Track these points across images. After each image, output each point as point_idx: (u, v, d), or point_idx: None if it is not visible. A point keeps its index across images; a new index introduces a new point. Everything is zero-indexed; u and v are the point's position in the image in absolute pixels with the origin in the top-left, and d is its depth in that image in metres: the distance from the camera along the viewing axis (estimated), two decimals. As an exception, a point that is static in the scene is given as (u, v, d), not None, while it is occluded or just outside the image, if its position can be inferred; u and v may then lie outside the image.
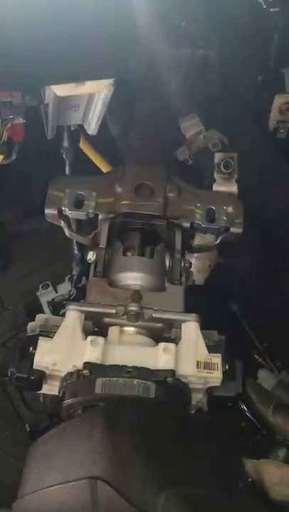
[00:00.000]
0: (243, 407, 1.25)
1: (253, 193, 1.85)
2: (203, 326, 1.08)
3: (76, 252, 1.62)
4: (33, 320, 1.12)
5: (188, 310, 1.10)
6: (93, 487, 0.71)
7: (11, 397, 1.52)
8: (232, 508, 0.71)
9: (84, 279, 1.58)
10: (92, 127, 1.24)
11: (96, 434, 0.80)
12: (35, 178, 1.80)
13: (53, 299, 1.63)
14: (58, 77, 0.83)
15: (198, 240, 1.32)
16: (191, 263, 1.23)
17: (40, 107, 1.13)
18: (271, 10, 1.50)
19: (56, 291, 1.64)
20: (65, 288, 1.64)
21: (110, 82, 1.07)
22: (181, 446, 0.82)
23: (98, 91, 1.07)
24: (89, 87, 0.98)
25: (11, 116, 1.09)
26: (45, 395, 1.22)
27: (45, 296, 1.64)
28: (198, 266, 1.55)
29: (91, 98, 1.17)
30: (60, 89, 0.97)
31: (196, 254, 1.48)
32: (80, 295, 1.57)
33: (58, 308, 1.59)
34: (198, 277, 1.57)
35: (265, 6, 1.49)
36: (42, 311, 1.60)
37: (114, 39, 0.72)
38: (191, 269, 1.26)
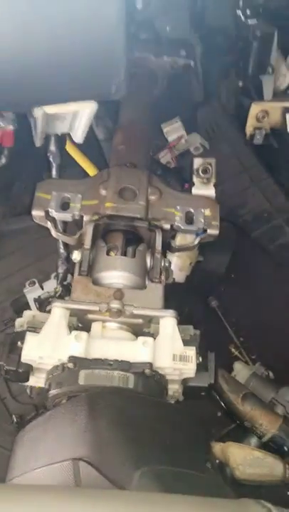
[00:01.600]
0: (217, 397, 1.33)
1: (232, 195, 1.94)
2: (185, 321, 1.14)
3: (62, 251, 1.68)
4: (20, 316, 1.17)
5: (168, 306, 1.16)
6: (76, 467, 0.77)
7: (-2, 390, 1.58)
8: (199, 484, 0.78)
9: (69, 276, 1.64)
10: (78, 136, 1.30)
11: (79, 420, 0.87)
12: (22, 179, 1.85)
13: (39, 296, 1.66)
14: (44, 100, 0.89)
15: (180, 239, 1.39)
16: (170, 262, 1.29)
17: (28, 116, 1.18)
18: (249, 22, 1.57)
19: (42, 289, 1.67)
20: (51, 285, 1.68)
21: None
22: (155, 430, 0.89)
23: (82, 109, 1.13)
24: (74, 106, 1.04)
25: (1, 124, 1.13)
26: (32, 388, 1.28)
27: (32, 293, 1.67)
28: (179, 264, 1.62)
29: (77, 112, 1.23)
30: (48, 108, 1.03)
31: (177, 254, 1.54)
32: (65, 292, 1.62)
33: (44, 304, 1.62)
34: (180, 275, 1.64)
35: (243, 19, 1.56)
36: (28, 308, 1.64)
37: (97, 65, 0.79)
38: (171, 268, 1.33)
